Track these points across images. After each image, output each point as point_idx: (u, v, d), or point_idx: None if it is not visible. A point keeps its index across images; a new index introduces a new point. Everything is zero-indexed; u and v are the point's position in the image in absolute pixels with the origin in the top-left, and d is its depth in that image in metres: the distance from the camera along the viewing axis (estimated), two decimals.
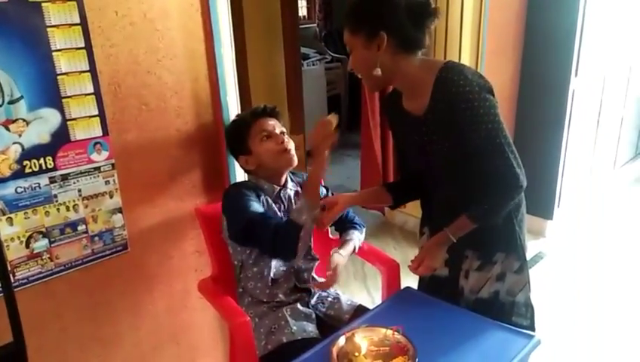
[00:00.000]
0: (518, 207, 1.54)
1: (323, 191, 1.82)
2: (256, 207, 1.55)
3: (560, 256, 3.23)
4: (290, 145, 1.65)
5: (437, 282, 1.65)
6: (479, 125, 1.33)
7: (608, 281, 2.96)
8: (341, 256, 1.68)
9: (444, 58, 2.89)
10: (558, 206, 3.37)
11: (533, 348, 1.35)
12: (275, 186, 1.67)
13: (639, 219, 3.77)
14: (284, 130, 1.69)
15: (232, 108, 1.89)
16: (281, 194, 1.68)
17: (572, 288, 2.89)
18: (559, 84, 3.11)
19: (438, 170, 1.52)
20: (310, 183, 1.53)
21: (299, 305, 1.66)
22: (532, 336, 1.37)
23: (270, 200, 1.65)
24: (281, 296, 1.66)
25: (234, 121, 1.75)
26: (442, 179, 1.53)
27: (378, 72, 1.39)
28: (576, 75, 3.09)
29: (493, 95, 1.37)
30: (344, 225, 1.84)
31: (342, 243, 1.77)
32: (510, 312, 1.56)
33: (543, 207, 3.33)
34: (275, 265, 1.65)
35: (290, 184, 1.72)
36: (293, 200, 1.71)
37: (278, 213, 1.64)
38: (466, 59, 2.74)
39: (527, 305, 1.59)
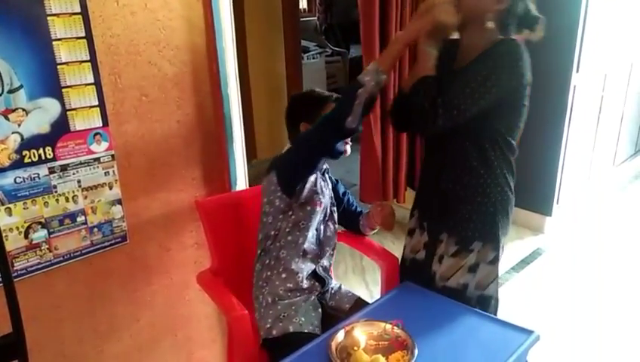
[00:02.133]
0: (504, 200, 1.51)
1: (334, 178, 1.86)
2: None
3: (559, 252, 3.23)
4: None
5: (417, 266, 1.66)
6: (483, 72, 1.35)
7: (608, 278, 2.97)
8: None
9: None
10: (558, 202, 3.37)
11: (533, 344, 1.35)
12: (323, 163, 1.69)
13: (638, 216, 3.77)
14: None
15: (233, 100, 1.88)
16: (326, 174, 1.73)
17: (571, 284, 2.89)
18: (560, 80, 3.10)
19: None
20: (390, 46, 1.51)
21: (312, 297, 1.68)
22: (531, 332, 1.37)
23: (319, 175, 1.68)
24: (303, 274, 1.66)
25: (309, 93, 1.71)
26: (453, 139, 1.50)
27: (489, 25, 1.39)
28: (577, 71, 3.08)
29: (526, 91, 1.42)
30: (352, 217, 1.87)
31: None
32: (480, 307, 1.55)
33: (542, 204, 3.32)
34: (310, 238, 1.66)
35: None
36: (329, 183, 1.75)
37: (322, 189, 1.68)
38: None
39: (495, 298, 1.58)
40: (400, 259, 1.76)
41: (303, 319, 1.59)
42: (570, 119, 3.19)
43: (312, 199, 1.64)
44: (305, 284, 1.66)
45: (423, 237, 1.64)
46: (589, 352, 2.34)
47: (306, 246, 1.66)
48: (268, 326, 1.59)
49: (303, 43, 4.90)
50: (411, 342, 1.31)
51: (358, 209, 1.89)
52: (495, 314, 1.58)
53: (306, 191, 1.62)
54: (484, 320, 1.44)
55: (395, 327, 1.36)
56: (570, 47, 3.02)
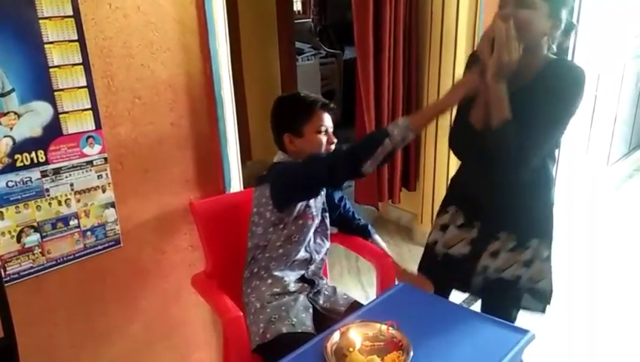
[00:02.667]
0: (552, 200, 1.59)
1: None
2: None
3: (553, 251, 3.23)
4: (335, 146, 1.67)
5: (451, 261, 1.66)
6: (557, 106, 1.40)
7: (602, 276, 2.98)
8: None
9: (440, 61, 2.91)
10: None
11: (528, 343, 1.35)
12: None
13: (632, 215, 3.79)
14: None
15: (227, 102, 1.87)
16: None
17: (566, 283, 2.89)
18: None
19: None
20: (426, 109, 1.57)
21: (301, 297, 1.67)
22: (526, 331, 1.37)
23: None
24: (290, 279, 1.67)
25: (293, 100, 1.70)
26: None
27: (544, 48, 1.43)
28: None
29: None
30: (351, 225, 1.88)
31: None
32: (522, 297, 1.61)
33: None
34: (302, 250, 1.67)
35: None
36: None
37: (313, 201, 1.66)
38: (462, 61, 2.74)
39: (549, 291, 1.63)
40: (424, 254, 1.77)
41: (295, 319, 1.59)
42: None
43: (304, 213, 1.63)
44: (292, 288, 1.66)
45: (469, 234, 1.63)
46: (585, 351, 2.35)
47: (297, 257, 1.67)
48: (261, 330, 1.59)
49: (298, 45, 4.89)
50: (407, 342, 1.30)
51: (355, 214, 1.90)
52: (544, 307, 1.65)
53: (298, 205, 1.61)
54: (479, 320, 1.44)
55: (390, 328, 1.36)
56: (563, 48, 3.03)
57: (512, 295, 1.59)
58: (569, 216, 3.60)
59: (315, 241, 1.73)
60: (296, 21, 4.98)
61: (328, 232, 1.79)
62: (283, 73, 4.30)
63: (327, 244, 1.79)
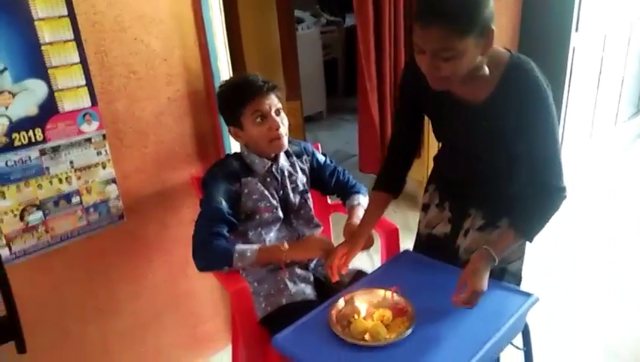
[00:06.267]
0: None
1: (321, 158, 1.81)
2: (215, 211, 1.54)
3: (560, 211, 3.22)
4: (283, 129, 1.59)
5: (435, 241, 1.63)
6: (547, 127, 1.29)
7: (609, 237, 2.97)
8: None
9: None
10: None
11: (531, 306, 1.35)
12: (267, 161, 1.63)
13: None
14: (280, 106, 1.61)
15: (224, 74, 1.85)
16: (273, 169, 1.64)
17: (571, 244, 2.89)
18: (560, 40, 3.05)
19: (478, 149, 1.44)
20: (272, 250, 1.56)
21: (297, 269, 1.66)
22: (530, 294, 1.37)
23: (258, 182, 1.61)
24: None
25: (227, 89, 1.63)
26: (480, 156, 1.45)
27: (485, 71, 1.28)
28: (577, 30, 3.02)
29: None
30: (346, 191, 1.82)
31: (350, 209, 1.74)
32: (497, 279, 1.52)
33: None
34: (274, 239, 1.65)
35: (282, 158, 1.67)
36: (287, 173, 1.68)
37: (267, 192, 1.62)
38: None
39: (517, 276, 1.56)
40: (416, 235, 1.72)
41: (294, 290, 1.60)
42: (570, 80, 3.14)
43: (256, 208, 1.60)
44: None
45: (445, 213, 1.60)
46: (590, 313, 2.36)
47: (272, 241, 1.64)
48: (262, 304, 1.60)
49: (297, 13, 4.79)
50: (411, 308, 1.31)
51: (352, 181, 1.83)
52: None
53: (243, 206, 1.59)
54: None
55: (395, 294, 1.37)
56: (569, 6, 2.95)
57: None
58: (576, 175, 3.58)
59: (297, 223, 1.71)
60: None
61: (311, 213, 1.75)
62: (283, 43, 4.22)
63: (315, 225, 1.76)
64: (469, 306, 1.28)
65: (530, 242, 1.40)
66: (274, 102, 1.59)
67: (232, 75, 1.90)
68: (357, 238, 1.55)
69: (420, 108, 1.50)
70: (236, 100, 1.58)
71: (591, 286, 2.54)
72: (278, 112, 1.60)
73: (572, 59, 3.08)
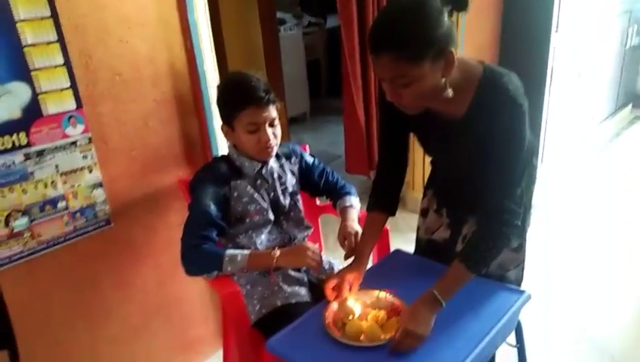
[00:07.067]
0: (528, 186, 1.47)
1: (310, 159, 1.80)
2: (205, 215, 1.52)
3: (542, 211, 3.27)
4: (274, 141, 1.57)
5: (435, 246, 1.62)
6: (510, 145, 1.24)
7: (592, 235, 3.02)
8: (354, 224, 1.63)
9: None
10: (542, 161, 3.39)
11: (524, 303, 1.36)
12: (256, 163, 1.61)
13: (620, 172, 3.82)
14: (276, 117, 1.56)
15: (210, 77, 1.83)
16: (263, 171, 1.63)
17: (557, 242, 2.93)
18: (540, 40, 3.09)
19: (463, 163, 1.42)
20: (264, 256, 1.52)
21: (290, 271, 1.65)
22: (523, 292, 1.38)
23: (248, 185, 1.60)
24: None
25: (227, 87, 1.59)
26: (467, 169, 1.43)
27: (449, 93, 1.21)
28: (557, 30, 3.06)
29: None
30: (335, 192, 1.80)
31: (342, 211, 1.72)
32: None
33: None
34: (266, 242, 1.64)
35: (271, 160, 1.65)
36: (277, 176, 1.66)
37: (258, 195, 1.60)
38: None
39: (517, 284, 1.55)
40: (416, 241, 1.71)
41: (287, 291, 1.59)
42: (551, 80, 3.18)
43: (246, 211, 1.59)
44: None
45: (444, 219, 1.59)
46: (580, 308, 2.39)
47: (264, 246, 1.63)
48: (256, 307, 1.58)
49: (279, 15, 4.78)
50: (405, 307, 1.31)
51: (341, 182, 1.82)
52: None
53: (233, 209, 1.58)
54: (475, 282, 1.44)
55: (388, 294, 1.37)
56: (549, 6, 3.00)
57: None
58: (557, 174, 3.63)
59: (287, 224, 1.70)
60: None
61: (301, 215, 1.74)
62: (265, 44, 4.21)
63: (305, 227, 1.75)
64: (402, 350, 1.19)
65: (476, 274, 1.31)
66: (271, 114, 1.54)
67: (218, 76, 1.88)
68: (359, 263, 1.47)
69: (404, 123, 1.44)
70: (233, 103, 1.54)
71: (581, 282, 2.58)
72: (272, 124, 1.56)
73: (553, 58, 3.13)
